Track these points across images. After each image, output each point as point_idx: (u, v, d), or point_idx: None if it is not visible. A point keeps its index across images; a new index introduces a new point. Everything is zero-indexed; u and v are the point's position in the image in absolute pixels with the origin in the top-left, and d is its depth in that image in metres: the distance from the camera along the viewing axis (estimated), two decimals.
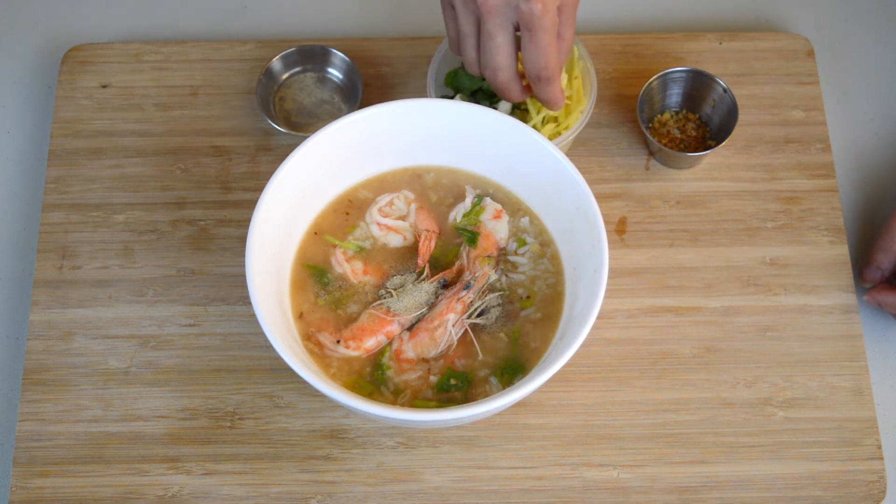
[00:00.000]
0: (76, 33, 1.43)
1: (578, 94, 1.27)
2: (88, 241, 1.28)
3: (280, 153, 1.32)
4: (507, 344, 1.13)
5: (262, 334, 1.18)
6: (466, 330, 1.13)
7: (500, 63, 1.16)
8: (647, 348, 1.23)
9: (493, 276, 1.15)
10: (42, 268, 1.26)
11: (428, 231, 1.17)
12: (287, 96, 1.37)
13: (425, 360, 1.13)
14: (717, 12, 1.45)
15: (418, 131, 1.18)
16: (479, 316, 1.13)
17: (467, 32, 1.17)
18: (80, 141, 1.34)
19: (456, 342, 1.13)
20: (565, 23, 1.16)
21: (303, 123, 1.35)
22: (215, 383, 1.21)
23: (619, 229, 1.29)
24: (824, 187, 1.32)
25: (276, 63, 1.36)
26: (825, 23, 1.45)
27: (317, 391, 1.14)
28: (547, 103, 1.20)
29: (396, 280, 1.16)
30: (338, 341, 1.12)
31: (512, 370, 1.11)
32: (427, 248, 1.17)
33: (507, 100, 1.22)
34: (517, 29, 1.14)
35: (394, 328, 1.13)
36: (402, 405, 1.10)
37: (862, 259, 1.30)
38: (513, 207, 1.20)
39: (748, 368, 1.22)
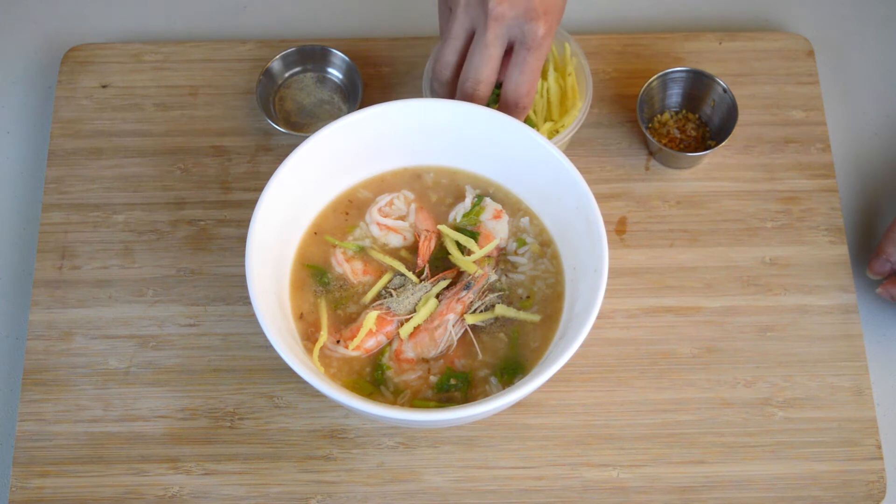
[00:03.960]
0: (76, 33, 1.43)
1: (574, 91, 1.27)
2: (88, 241, 1.28)
3: (280, 153, 1.32)
4: (507, 344, 1.13)
5: (262, 334, 1.18)
6: (466, 330, 1.13)
7: (486, 76, 1.12)
8: (647, 348, 1.23)
9: (493, 277, 1.15)
10: (42, 268, 1.26)
11: (428, 231, 1.17)
12: (287, 96, 1.36)
13: (425, 360, 1.13)
14: (717, 12, 1.45)
15: (418, 131, 1.17)
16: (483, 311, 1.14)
17: (456, 35, 1.13)
18: (79, 141, 1.34)
19: (456, 342, 1.13)
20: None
21: (303, 123, 1.35)
22: (215, 383, 1.21)
23: (619, 229, 1.29)
24: (824, 187, 1.32)
25: (275, 63, 1.36)
26: (825, 23, 1.45)
27: (317, 391, 1.14)
28: None
29: (396, 280, 1.16)
30: (338, 341, 1.12)
31: (512, 370, 1.11)
32: (427, 248, 1.17)
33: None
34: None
35: (393, 328, 1.13)
36: (402, 405, 1.10)
37: (863, 255, 1.30)
38: (513, 207, 1.20)
39: (748, 368, 1.22)
